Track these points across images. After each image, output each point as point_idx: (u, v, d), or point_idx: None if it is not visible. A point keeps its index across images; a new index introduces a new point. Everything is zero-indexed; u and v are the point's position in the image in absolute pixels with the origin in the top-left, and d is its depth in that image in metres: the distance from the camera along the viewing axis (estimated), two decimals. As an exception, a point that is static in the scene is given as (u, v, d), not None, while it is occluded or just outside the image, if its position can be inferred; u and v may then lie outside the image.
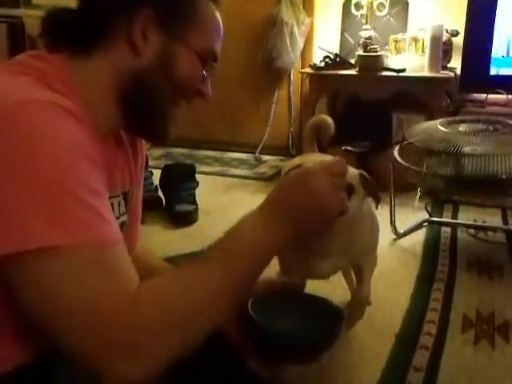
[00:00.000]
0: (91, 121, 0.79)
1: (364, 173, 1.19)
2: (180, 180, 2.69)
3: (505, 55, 2.82)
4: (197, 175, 2.79)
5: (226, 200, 2.89)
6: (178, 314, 0.72)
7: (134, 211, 1.07)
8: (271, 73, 3.57)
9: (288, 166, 1.78)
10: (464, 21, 2.83)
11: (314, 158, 1.73)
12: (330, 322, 1.03)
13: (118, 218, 0.93)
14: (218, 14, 0.92)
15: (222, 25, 0.93)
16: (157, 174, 2.80)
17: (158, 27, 0.85)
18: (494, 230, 2.44)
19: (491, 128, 2.12)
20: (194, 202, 2.65)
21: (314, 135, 1.70)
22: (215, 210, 2.68)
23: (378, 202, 1.22)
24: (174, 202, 2.62)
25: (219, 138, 3.95)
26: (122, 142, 0.97)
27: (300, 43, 3.45)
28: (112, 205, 0.91)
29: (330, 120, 1.58)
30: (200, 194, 2.74)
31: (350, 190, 1.12)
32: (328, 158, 1.74)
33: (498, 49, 2.82)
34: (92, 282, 0.66)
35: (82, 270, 0.66)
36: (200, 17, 0.88)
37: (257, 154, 3.76)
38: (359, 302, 1.40)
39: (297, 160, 1.81)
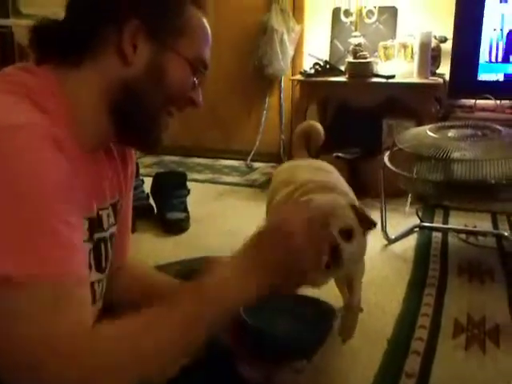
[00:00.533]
0: (79, 136, 0.79)
1: (355, 204, 1.21)
2: (171, 188, 2.69)
3: (493, 61, 2.84)
4: (188, 183, 2.79)
5: (218, 207, 2.89)
6: (136, 354, 0.70)
7: (123, 221, 1.07)
8: (262, 80, 3.58)
9: (277, 172, 1.80)
10: (452, 27, 2.86)
11: (303, 164, 1.74)
12: (321, 321, 1.04)
13: (106, 229, 0.93)
14: (205, 21, 0.92)
15: (209, 31, 0.93)
16: (148, 182, 2.79)
17: (147, 37, 0.85)
18: (485, 234, 2.46)
19: (480, 133, 2.14)
20: (185, 210, 2.65)
21: (302, 141, 1.72)
22: (206, 217, 2.68)
23: (372, 227, 1.24)
24: (165, 209, 2.62)
25: (210, 145, 3.96)
26: (112, 154, 0.97)
27: (290, 50, 3.47)
28: (101, 217, 0.90)
29: (318, 126, 1.59)
30: (191, 201, 2.74)
31: (349, 234, 1.15)
32: (317, 163, 1.75)
33: (485, 54, 2.84)
34: (47, 317, 0.65)
35: (37, 304, 0.64)
36: (188, 25, 0.88)
37: (248, 161, 3.76)
38: (352, 309, 1.41)
39: (286, 166, 1.83)
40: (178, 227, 2.53)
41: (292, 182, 1.53)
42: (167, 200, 2.64)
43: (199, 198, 2.93)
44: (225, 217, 2.70)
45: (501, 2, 2.78)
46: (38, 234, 0.66)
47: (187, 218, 2.61)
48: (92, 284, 0.89)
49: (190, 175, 3.14)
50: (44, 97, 0.77)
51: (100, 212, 0.90)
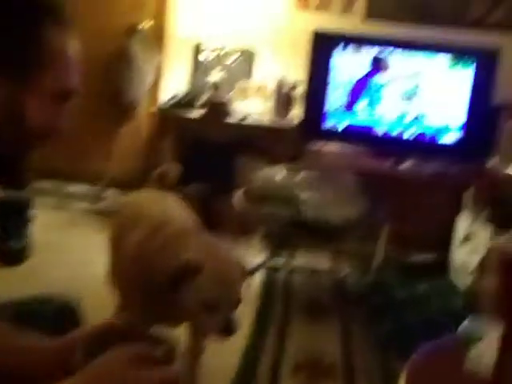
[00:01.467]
0: None
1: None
2: (12, 214, 2.51)
3: (339, 109, 3.05)
4: (32, 209, 2.62)
5: (64, 236, 2.74)
6: None
7: None
8: (118, 107, 3.51)
9: (124, 206, 1.77)
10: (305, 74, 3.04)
11: (149, 197, 1.74)
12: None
13: None
14: (68, 44, 0.84)
15: (74, 54, 0.85)
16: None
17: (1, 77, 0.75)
18: (326, 273, 2.59)
19: (325, 177, 2.28)
20: (26, 239, 2.48)
21: (158, 182, 1.78)
22: (50, 247, 2.52)
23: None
24: (4, 238, 2.44)
25: (60, 168, 3.77)
26: None
27: (148, 80, 3.44)
28: None
29: (175, 168, 1.65)
30: (34, 229, 2.57)
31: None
32: (163, 197, 1.76)
33: (334, 102, 3.04)
34: None
35: None
36: (48, 55, 0.80)
37: (99, 188, 3.64)
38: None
39: (136, 197, 1.80)
40: (17, 257, 2.37)
41: (142, 220, 1.51)
42: (7, 227, 2.46)
43: (43, 225, 2.76)
44: (71, 247, 2.57)
45: (344, 49, 2.98)
46: None
47: (28, 247, 2.44)
48: None
49: (35, 200, 2.96)
50: None
51: None
